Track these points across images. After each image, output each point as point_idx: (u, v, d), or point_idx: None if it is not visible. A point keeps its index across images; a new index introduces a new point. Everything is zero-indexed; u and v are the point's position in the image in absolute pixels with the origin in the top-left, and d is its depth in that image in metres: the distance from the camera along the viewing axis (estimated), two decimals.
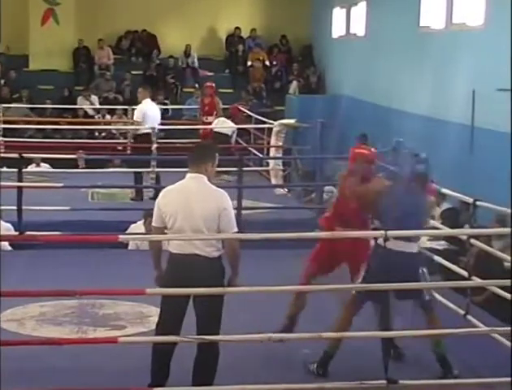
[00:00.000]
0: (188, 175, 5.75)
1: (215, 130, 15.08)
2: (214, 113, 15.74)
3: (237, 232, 5.86)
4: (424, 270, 6.28)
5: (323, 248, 6.94)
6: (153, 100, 18.98)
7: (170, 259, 5.75)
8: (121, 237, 6.22)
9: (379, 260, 6.17)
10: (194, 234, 5.59)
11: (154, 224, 5.79)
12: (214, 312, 5.74)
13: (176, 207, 5.62)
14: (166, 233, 5.74)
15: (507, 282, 6.73)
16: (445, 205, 11.32)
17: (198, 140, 13.99)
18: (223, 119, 15.47)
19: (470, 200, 7.32)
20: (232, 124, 15.46)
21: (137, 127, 12.99)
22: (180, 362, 5.79)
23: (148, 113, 12.97)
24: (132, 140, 13.32)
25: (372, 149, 7.15)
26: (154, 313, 7.29)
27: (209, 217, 5.58)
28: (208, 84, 16.39)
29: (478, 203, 7.19)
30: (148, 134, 12.93)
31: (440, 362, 6.27)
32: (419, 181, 6.32)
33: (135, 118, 13.18)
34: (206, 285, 5.61)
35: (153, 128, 12.97)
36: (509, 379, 5.78)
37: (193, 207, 5.59)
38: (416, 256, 6.28)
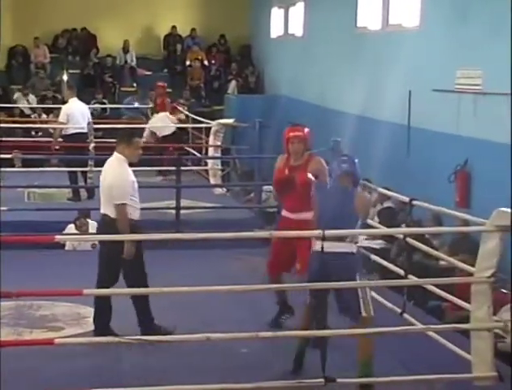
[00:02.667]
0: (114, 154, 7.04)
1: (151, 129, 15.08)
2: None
3: (175, 232, 5.94)
4: (361, 276, 6.11)
5: (276, 241, 7.15)
6: (94, 99, 18.97)
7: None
8: (58, 237, 6.17)
9: (313, 263, 6.13)
10: (103, 203, 6.89)
11: None
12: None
13: (101, 177, 7.08)
14: None
15: (442, 280, 6.84)
16: (388, 204, 11.45)
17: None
18: (162, 114, 15.44)
19: (407, 199, 7.39)
20: (172, 121, 15.48)
21: (67, 126, 12.81)
22: None
23: (74, 113, 12.83)
24: (61, 140, 13.12)
25: (306, 130, 7.33)
26: (90, 314, 7.25)
27: (105, 189, 6.90)
28: (159, 83, 16.33)
29: (414, 202, 7.27)
30: (77, 134, 12.79)
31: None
32: (346, 180, 6.23)
33: (59, 119, 13.03)
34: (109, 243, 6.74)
35: (89, 127, 12.87)
36: (445, 376, 5.87)
37: (103, 178, 6.99)
38: (350, 256, 6.07)
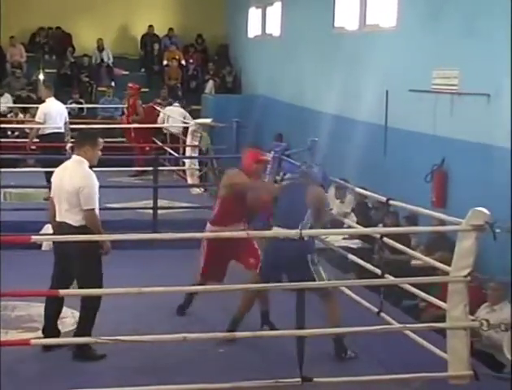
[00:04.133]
0: (73, 157, 6.72)
1: None
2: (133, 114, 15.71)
3: (152, 232, 5.95)
4: (313, 257, 6.56)
5: (211, 250, 7.18)
6: (70, 98, 18.87)
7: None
8: (34, 238, 6.12)
9: (268, 249, 6.68)
10: (63, 207, 6.56)
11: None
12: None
13: (56, 182, 6.69)
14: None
15: (419, 279, 6.87)
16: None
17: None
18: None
19: (384, 198, 7.41)
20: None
21: (44, 126, 12.73)
22: None
23: (51, 112, 12.76)
24: (37, 140, 13.04)
25: (262, 154, 7.68)
26: (67, 314, 7.21)
27: (70, 193, 6.52)
28: (130, 84, 16.27)
29: (391, 202, 7.29)
30: (54, 134, 12.72)
31: (336, 344, 6.63)
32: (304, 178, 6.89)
33: (36, 118, 12.95)
34: (75, 249, 6.39)
35: (65, 127, 12.81)
36: (421, 374, 5.90)
37: (62, 184, 6.59)
38: (300, 242, 6.34)
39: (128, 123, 15.64)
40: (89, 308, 6.45)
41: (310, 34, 16.29)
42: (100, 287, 6.41)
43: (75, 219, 6.49)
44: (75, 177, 6.54)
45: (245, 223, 7.30)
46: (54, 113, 12.79)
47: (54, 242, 6.85)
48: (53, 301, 6.63)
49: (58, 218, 6.62)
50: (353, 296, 7.64)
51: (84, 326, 6.45)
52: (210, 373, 6.27)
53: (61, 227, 6.57)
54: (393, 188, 10.81)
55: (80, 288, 6.44)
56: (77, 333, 6.49)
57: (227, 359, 6.57)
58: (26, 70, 20.87)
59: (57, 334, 6.64)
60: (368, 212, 11.43)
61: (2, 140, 16.45)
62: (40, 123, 12.72)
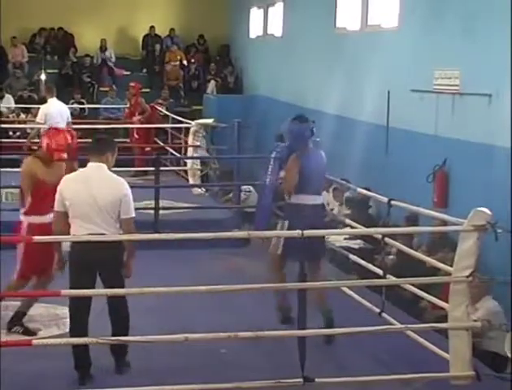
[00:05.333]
0: (90, 164, 6.22)
1: None
2: (137, 113, 15.69)
3: (153, 232, 5.93)
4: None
5: (33, 248, 6.76)
6: (72, 98, 18.86)
7: (72, 246, 6.14)
8: (36, 238, 6.13)
9: (293, 214, 7.09)
10: (97, 218, 6.03)
11: (55, 208, 6.18)
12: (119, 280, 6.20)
13: (78, 194, 6.06)
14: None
15: (420, 280, 6.85)
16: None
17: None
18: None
19: (385, 199, 7.41)
20: None
21: (45, 126, 12.72)
22: None
23: (52, 113, 12.76)
24: (37, 141, 13.05)
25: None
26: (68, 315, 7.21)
27: (108, 203, 6.04)
28: (132, 84, 16.28)
29: (392, 202, 7.29)
30: None
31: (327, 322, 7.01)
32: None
33: (37, 118, 12.96)
34: (111, 264, 6.11)
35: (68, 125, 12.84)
36: (423, 375, 5.89)
37: (97, 194, 6.03)
38: (321, 207, 7.31)
39: (133, 122, 15.65)
40: (122, 322, 6.27)
41: (311, 34, 16.28)
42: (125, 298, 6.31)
43: (110, 231, 6.09)
44: (113, 185, 6.14)
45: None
46: (54, 113, 12.80)
47: (83, 254, 6.10)
48: (80, 304, 6.21)
49: (86, 232, 6.04)
50: (355, 296, 7.64)
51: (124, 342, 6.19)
52: (212, 373, 6.27)
53: (98, 243, 5.98)
54: (395, 188, 10.81)
55: (110, 297, 6.22)
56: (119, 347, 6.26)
57: (228, 359, 6.56)
58: (28, 70, 20.88)
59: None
60: (369, 212, 11.43)
61: (4, 140, 16.48)
62: (40, 124, 12.72)
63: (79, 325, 6.16)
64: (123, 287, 6.17)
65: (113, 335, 6.19)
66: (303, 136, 7.31)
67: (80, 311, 6.15)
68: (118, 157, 6.46)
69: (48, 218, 6.65)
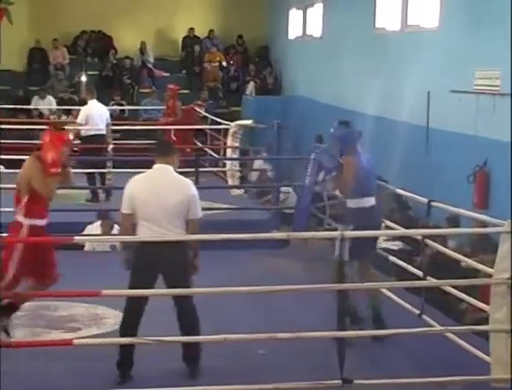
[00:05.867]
0: (157, 166, 6.20)
1: None
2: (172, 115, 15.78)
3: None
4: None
5: (30, 251, 6.60)
6: (112, 100, 18.98)
7: (136, 247, 6.10)
8: (77, 238, 6.19)
9: (355, 218, 7.06)
10: (164, 220, 6.00)
11: (123, 211, 6.13)
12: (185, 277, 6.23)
13: (149, 195, 6.04)
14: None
15: (461, 282, 6.81)
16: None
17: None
18: None
19: (425, 200, 7.37)
20: None
21: (86, 128, 12.82)
22: None
23: (92, 114, 12.86)
24: (78, 142, 13.15)
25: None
26: (109, 315, 7.28)
27: (177, 204, 6.04)
28: (170, 86, 16.34)
29: (432, 203, 7.25)
30: (96, 136, 12.82)
31: (374, 318, 7.09)
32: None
33: (78, 120, 13.05)
34: (178, 266, 6.11)
35: (107, 129, 12.91)
36: (462, 377, 5.85)
37: (165, 195, 6.02)
38: (376, 208, 7.35)
39: (168, 124, 15.72)
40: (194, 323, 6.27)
41: (350, 35, 16.23)
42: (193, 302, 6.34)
43: (178, 232, 6.10)
44: (182, 186, 6.15)
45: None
46: (95, 115, 12.90)
47: (149, 255, 6.05)
48: (136, 305, 6.20)
49: (153, 234, 6.04)
50: (395, 298, 7.61)
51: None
52: (250, 374, 6.28)
53: (169, 244, 6.00)
54: (434, 189, 10.75)
55: (179, 301, 6.22)
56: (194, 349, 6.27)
57: (267, 360, 6.57)
58: (68, 72, 21.06)
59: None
60: (409, 213, 11.36)
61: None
62: (81, 125, 12.83)
63: (130, 324, 6.15)
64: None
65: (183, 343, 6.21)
66: (353, 139, 7.42)
67: (133, 311, 6.15)
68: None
69: (44, 221, 6.66)
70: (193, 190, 6.17)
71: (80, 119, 12.97)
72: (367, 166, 7.39)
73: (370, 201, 7.32)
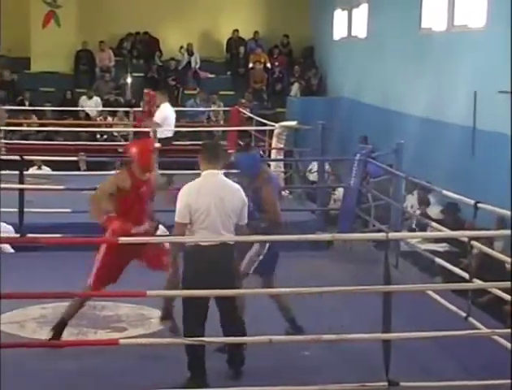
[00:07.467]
0: (208, 172, 6.07)
1: None
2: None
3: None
4: None
5: (110, 252, 6.71)
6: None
7: (197, 251, 5.95)
8: (122, 239, 6.22)
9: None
10: (222, 227, 5.96)
11: (180, 221, 5.98)
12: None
13: (210, 202, 5.93)
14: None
15: (508, 284, 6.73)
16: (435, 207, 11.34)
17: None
18: None
19: (472, 202, 7.30)
20: None
21: (164, 129, 12.83)
22: None
23: (170, 118, 12.96)
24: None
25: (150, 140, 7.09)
26: (154, 315, 7.30)
27: (236, 210, 6.02)
28: (145, 90, 15.73)
29: (479, 205, 7.18)
30: (172, 137, 12.93)
31: (290, 324, 7.01)
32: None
33: (155, 119, 13.06)
34: (230, 271, 6.07)
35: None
36: (509, 381, 5.78)
37: (225, 203, 5.97)
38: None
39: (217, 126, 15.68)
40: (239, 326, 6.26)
41: (396, 35, 16.15)
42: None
43: (229, 235, 6.07)
44: (237, 191, 6.11)
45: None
46: (170, 118, 12.99)
47: (209, 260, 6.00)
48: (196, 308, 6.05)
49: (216, 237, 5.98)
50: (441, 300, 7.55)
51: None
52: (295, 375, 6.26)
53: (225, 250, 5.98)
54: (481, 190, 10.65)
55: (229, 309, 6.19)
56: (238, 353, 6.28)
57: (312, 362, 6.55)
58: (114, 74, 21.22)
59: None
60: (457, 215, 11.25)
61: (92, 143, 16.79)
62: (158, 125, 12.86)
63: (194, 329, 6.01)
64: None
65: (228, 346, 6.23)
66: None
67: (195, 315, 6.01)
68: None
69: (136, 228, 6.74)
70: (244, 196, 6.14)
71: (158, 119, 12.99)
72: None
73: None
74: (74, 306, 6.84)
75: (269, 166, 14.42)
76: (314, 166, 14.58)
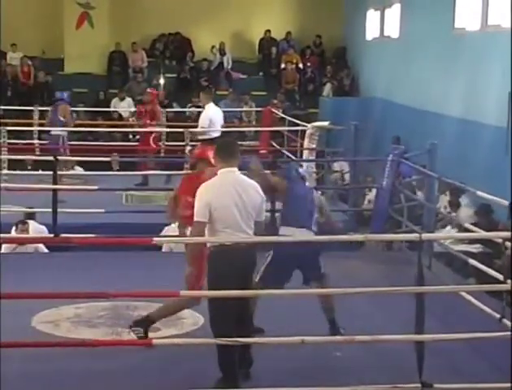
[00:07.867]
0: (226, 170, 6.01)
1: None
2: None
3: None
4: None
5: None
6: (190, 102, 19.07)
7: (221, 251, 5.90)
8: (155, 240, 6.24)
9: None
10: (244, 224, 5.90)
11: (200, 219, 5.91)
12: None
13: (231, 202, 5.88)
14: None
15: None
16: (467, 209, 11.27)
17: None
18: None
19: (506, 203, 7.25)
20: None
21: (208, 129, 12.84)
22: None
23: (215, 119, 12.94)
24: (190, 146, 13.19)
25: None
26: (187, 315, 7.32)
27: (256, 207, 5.99)
28: (148, 90, 15.68)
29: None
30: (218, 138, 12.92)
31: (330, 324, 6.95)
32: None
33: (200, 125, 13.04)
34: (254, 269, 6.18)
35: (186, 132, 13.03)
36: None
37: (245, 200, 5.92)
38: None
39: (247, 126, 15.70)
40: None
41: (429, 35, 16.07)
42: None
43: (252, 234, 6.02)
44: (256, 188, 6.07)
45: None
46: (216, 119, 12.98)
47: (241, 259, 5.95)
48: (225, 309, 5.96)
49: (240, 234, 5.92)
50: (474, 301, 7.50)
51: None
52: (327, 376, 6.26)
53: (248, 249, 5.96)
54: None
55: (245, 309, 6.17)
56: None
57: (344, 363, 6.54)
58: (147, 75, 21.31)
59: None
60: (491, 216, 11.17)
61: (124, 143, 16.87)
62: (203, 129, 12.88)
63: (225, 329, 5.93)
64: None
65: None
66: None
67: (227, 316, 5.94)
68: None
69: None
70: (262, 192, 6.11)
71: (203, 122, 13.02)
72: None
73: None
74: (171, 308, 6.91)
75: (301, 166, 14.44)
76: (346, 166, 14.55)
